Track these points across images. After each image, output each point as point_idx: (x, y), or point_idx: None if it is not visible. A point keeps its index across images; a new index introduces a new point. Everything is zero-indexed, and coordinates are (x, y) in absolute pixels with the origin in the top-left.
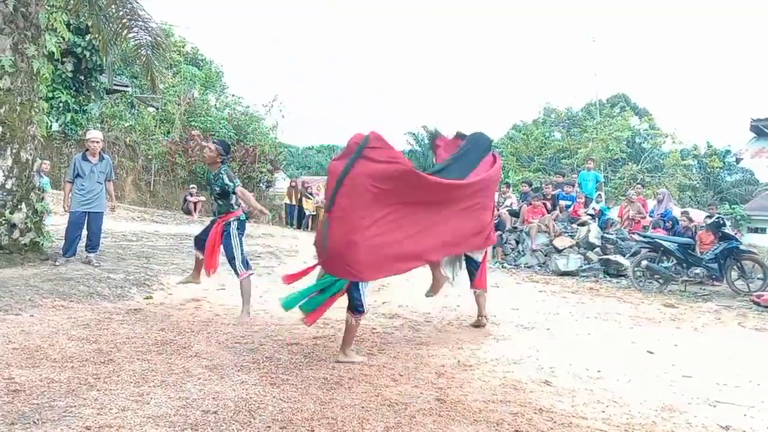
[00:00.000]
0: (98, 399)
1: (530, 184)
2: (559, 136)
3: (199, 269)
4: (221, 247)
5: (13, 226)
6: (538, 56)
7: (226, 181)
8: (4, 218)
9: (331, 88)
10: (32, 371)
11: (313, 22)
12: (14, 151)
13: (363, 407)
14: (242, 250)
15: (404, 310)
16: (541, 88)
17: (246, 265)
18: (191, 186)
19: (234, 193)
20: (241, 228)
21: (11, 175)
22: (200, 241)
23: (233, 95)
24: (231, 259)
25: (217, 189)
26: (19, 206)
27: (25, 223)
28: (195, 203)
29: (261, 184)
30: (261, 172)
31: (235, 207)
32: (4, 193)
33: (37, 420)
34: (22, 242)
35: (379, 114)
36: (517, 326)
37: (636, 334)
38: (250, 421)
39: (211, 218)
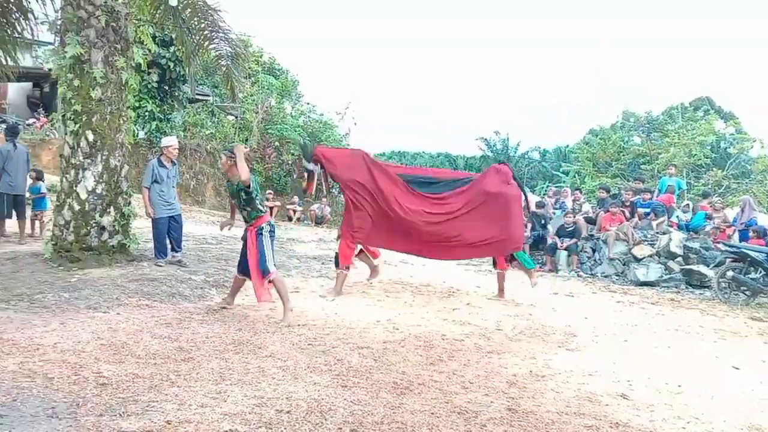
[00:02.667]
0: (178, 395)
1: (608, 191)
2: (639, 140)
3: (234, 293)
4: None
5: (103, 228)
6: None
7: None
8: (94, 221)
9: (400, 95)
10: (118, 366)
11: (384, 23)
12: (104, 157)
13: (433, 413)
14: (273, 251)
15: (474, 317)
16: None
17: (275, 265)
18: (268, 191)
19: (251, 191)
20: (272, 232)
21: (101, 180)
22: (244, 265)
23: (308, 103)
24: (262, 257)
25: (244, 195)
26: (108, 210)
27: (113, 226)
28: (271, 208)
29: (333, 189)
30: None
31: (263, 211)
32: (95, 198)
33: (123, 413)
34: (111, 244)
35: (459, 120)
36: (592, 337)
37: (720, 349)
38: (322, 422)
39: (242, 235)
